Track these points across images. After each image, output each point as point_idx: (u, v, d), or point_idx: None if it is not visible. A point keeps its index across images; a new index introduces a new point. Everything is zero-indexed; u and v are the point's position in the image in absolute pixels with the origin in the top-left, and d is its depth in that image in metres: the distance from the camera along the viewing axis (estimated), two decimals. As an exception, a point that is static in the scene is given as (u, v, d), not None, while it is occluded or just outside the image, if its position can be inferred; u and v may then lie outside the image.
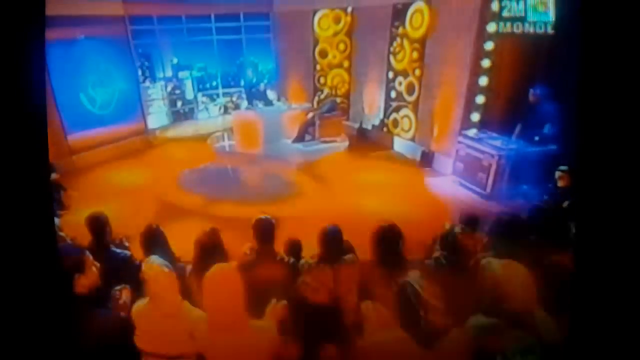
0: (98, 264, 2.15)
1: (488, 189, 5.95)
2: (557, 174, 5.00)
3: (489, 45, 6.13)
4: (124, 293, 2.54)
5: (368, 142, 8.22)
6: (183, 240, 5.06)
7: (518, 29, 5.55)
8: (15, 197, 2.66)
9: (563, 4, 4.98)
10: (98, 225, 3.07)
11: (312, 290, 1.84)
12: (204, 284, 2.12)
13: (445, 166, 6.88)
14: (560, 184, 5.02)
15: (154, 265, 2.08)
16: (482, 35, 6.15)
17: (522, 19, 5.46)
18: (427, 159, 7.24)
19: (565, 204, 4.60)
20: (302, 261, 3.01)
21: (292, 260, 3.03)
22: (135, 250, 3.58)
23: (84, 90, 7.09)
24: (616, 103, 2.23)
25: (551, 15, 5.13)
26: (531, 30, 5.38)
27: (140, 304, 2.17)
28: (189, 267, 3.02)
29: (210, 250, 2.86)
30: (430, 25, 6.90)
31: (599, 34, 2.24)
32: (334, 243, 2.93)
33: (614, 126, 2.23)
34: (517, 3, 5.48)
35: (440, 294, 1.94)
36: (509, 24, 5.68)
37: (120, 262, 2.95)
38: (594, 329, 2.12)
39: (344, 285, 2.93)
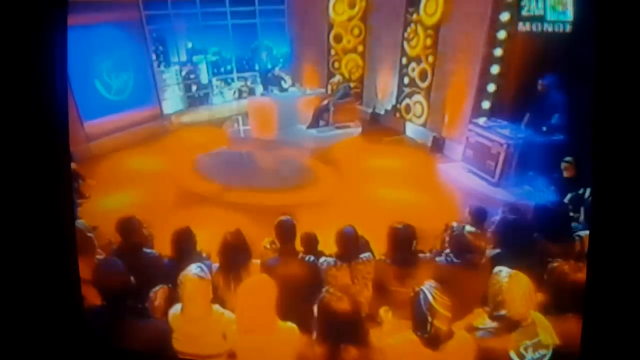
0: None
1: (496, 177, 6.13)
2: (563, 164, 5.20)
3: (502, 35, 6.19)
4: (159, 294, 2.80)
5: (381, 126, 8.36)
6: (202, 227, 5.35)
7: (537, 28, 5.65)
8: (36, 188, 2.81)
9: (581, 3, 5.09)
10: (130, 228, 3.26)
11: (337, 299, 2.08)
12: (240, 293, 2.37)
13: (455, 152, 7.03)
14: (565, 174, 5.22)
15: (190, 276, 2.30)
16: (495, 24, 6.21)
17: (542, 19, 5.54)
18: (438, 145, 7.38)
19: (568, 197, 4.79)
20: (322, 259, 3.24)
21: (312, 258, 3.26)
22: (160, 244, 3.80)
23: (99, 76, 7.21)
24: (630, 100, 2.37)
25: (569, 14, 5.24)
26: (550, 29, 5.50)
27: (177, 308, 2.41)
28: (215, 265, 3.23)
29: (236, 250, 3.08)
30: (444, 13, 6.94)
31: (614, 32, 2.37)
32: (350, 243, 3.17)
33: (628, 123, 2.38)
34: (537, 3, 5.54)
35: (450, 304, 2.18)
36: (528, 23, 5.77)
37: (153, 263, 3.18)
38: (605, 330, 2.35)
39: (360, 282, 3.20)
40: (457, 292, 3.02)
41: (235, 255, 3.06)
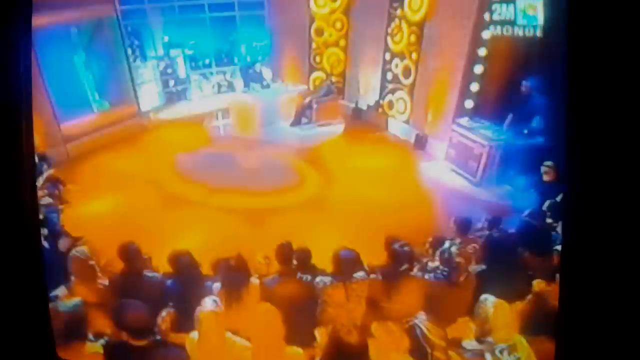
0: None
1: (478, 177, 6.53)
2: (543, 169, 5.53)
3: (486, 34, 6.48)
4: (167, 319, 3.09)
5: (363, 122, 8.66)
6: (189, 231, 5.62)
7: (508, 31, 6.00)
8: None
9: (551, 8, 5.43)
10: (131, 254, 3.47)
11: (347, 331, 2.42)
12: (251, 321, 2.69)
13: (438, 150, 7.40)
14: (545, 178, 5.57)
15: (206, 313, 2.59)
16: (479, 24, 6.50)
17: (512, 23, 5.89)
18: (420, 142, 7.74)
19: (546, 204, 5.20)
20: (318, 279, 3.56)
21: (309, 277, 3.59)
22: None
23: (75, 75, 7.26)
24: (602, 101, 2.67)
25: (540, 19, 5.58)
26: (520, 33, 5.85)
27: (193, 338, 2.71)
28: (215, 285, 3.53)
29: (238, 273, 3.39)
30: (429, 10, 7.19)
31: (585, 35, 2.63)
32: (346, 266, 3.50)
33: (599, 124, 2.68)
34: (507, 7, 5.88)
35: (443, 333, 2.56)
36: (499, 27, 6.11)
37: (156, 286, 3.45)
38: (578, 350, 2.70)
39: (354, 300, 3.56)
40: (445, 305, 3.47)
41: (237, 277, 3.38)
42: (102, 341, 2.85)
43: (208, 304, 2.62)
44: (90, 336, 2.80)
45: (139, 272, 3.49)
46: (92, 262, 3.50)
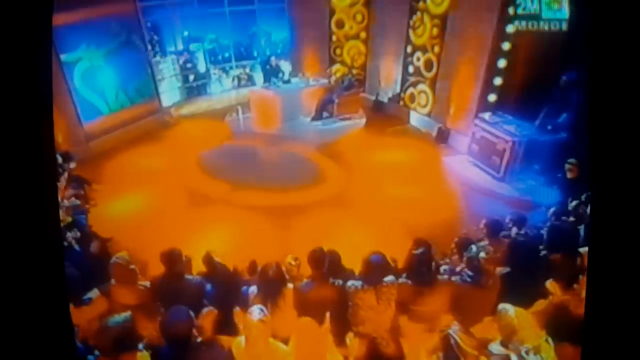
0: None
1: (501, 172, 6.65)
2: (567, 166, 5.57)
3: (510, 28, 6.55)
4: (207, 319, 3.36)
5: (384, 115, 8.82)
6: (215, 229, 5.87)
7: (533, 26, 6.05)
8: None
9: (577, 1, 5.46)
10: (173, 259, 3.65)
11: (385, 344, 2.66)
12: (292, 332, 2.95)
13: (460, 143, 7.56)
14: (569, 175, 5.62)
15: (255, 322, 2.83)
16: (503, 17, 6.55)
17: (537, 17, 5.95)
18: (442, 136, 7.89)
19: (572, 205, 5.33)
20: (349, 283, 3.80)
21: (340, 282, 3.83)
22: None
23: (98, 73, 7.45)
24: (629, 98, 2.80)
25: (565, 13, 5.63)
26: (545, 27, 5.90)
27: (241, 343, 2.96)
28: (252, 289, 3.79)
29: (275, 281, 3.63)
30: (452, 2, 7.27)
31: (611, 30, 2.73)
32: (377, 270, 3.73)
33: (625, 122, 2.81)
34: (532, 1, 5.94)
35: (476, 343, 2.78)
36: (524, 22, 6.17)
37: (196, 289, 3.71)
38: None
39: (384, 303, 3.80)
40: (472, 306, 3.70)
41: (274, 285, 3.63)
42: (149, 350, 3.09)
43: (256, 312, 2.85)
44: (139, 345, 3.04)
45: (180, 276, 3.74)
46: (132, 267, 3.72)
